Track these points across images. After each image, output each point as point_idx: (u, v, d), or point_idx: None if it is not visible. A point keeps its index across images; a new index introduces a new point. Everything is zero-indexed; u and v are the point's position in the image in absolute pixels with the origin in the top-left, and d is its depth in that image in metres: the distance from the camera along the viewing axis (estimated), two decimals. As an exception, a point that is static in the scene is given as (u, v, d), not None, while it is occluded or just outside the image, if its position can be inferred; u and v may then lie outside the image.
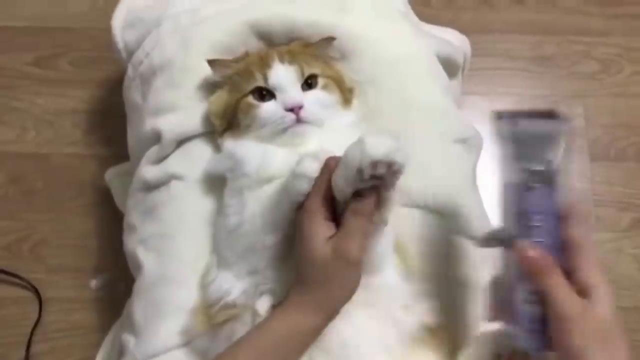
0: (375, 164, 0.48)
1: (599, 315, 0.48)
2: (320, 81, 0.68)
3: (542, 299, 0.49)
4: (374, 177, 0.50)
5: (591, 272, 0.49)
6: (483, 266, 0.59)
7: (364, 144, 0.48)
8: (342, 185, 0.52)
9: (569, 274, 0.49)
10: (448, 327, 0.66)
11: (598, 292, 0.48)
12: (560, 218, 0.51)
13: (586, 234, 0.50)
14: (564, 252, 0.50)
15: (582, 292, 0.49)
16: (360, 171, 0.49)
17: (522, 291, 0.50)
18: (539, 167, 0.51)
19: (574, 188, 0.55)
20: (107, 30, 0.83)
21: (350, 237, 0.52)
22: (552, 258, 0.49)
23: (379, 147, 0.48)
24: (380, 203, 0.54)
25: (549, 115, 0.52)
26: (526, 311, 0.50)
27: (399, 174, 0.50)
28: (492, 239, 0.55)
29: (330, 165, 0.53)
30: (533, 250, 0.49)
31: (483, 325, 0.60)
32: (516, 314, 0.51)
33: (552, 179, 0.51)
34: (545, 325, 0.49)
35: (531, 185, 0.51)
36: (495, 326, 0.54)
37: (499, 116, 0.52)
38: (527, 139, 0.51)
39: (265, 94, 0.66)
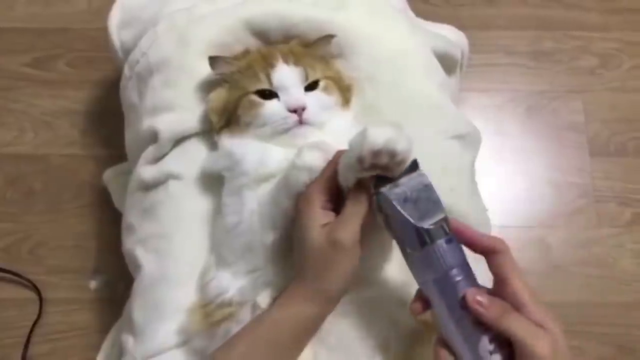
0: (376, 153, 0.48)
1: (563, 353, 0.46)
2: (322, 83, 0.67)
3: (505, 343, 0.46)
4: (375, 166, 0.49)
5: (537, 307, 0.47)
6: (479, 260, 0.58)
7: (366, 132, 0.48)
8: (345, 173, 0.52)
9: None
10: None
11: (550, 327, 0.46)
12: (468, 262, 0.49)
13: (514, 266, 0.49)
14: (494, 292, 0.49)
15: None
16: (361, 160, 0.49)
17: (484, 344, 0.47)
18: (435, 220, 0.49)
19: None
20: (104, 30, 0.82)
21: (344, 222, 0.52)
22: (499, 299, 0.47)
23: (379, 137, 0.48)
24: None
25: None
26: None
27: (403, 164, 0.50)
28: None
29: (337, 157, 0.53)
30: (482, 296, 0.47)
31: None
32: None
33: (446, 228, 0.49)
34: None
35: (437, 242, 0.48)
36: None
37: (380, 184, 0.50)
38: (413, 197, 0.49)
39: (268, 93, 0.66)
